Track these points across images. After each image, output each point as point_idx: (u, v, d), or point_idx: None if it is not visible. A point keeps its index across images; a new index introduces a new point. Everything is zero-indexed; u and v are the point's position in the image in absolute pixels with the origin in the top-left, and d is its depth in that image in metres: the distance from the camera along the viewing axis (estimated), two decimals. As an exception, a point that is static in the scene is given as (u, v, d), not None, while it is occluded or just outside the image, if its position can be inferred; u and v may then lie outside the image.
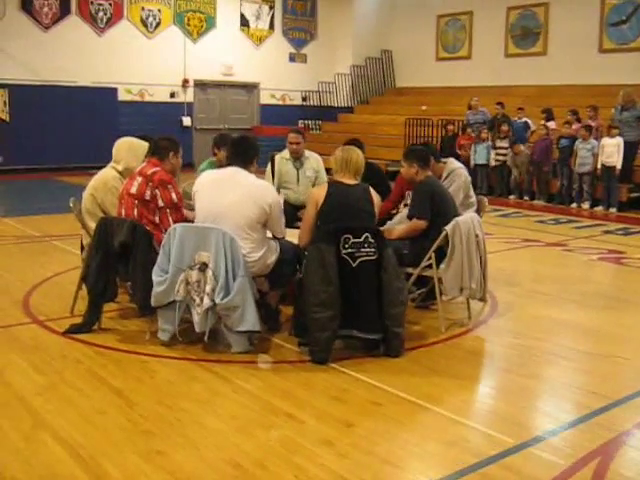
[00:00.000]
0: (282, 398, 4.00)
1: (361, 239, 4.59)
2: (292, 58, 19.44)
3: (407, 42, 19.69)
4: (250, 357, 4.65)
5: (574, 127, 12.09)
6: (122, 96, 16.57)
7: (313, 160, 7.35)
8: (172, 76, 17.13)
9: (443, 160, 6.03)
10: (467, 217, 5.34)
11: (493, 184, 13.55)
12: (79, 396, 3.99)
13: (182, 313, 4.74)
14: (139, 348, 4.78)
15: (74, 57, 15.73)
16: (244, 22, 18.30)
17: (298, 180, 7.19)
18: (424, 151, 5.55)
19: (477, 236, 5.34)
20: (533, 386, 4.34)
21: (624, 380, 4.43)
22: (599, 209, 11.86)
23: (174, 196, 5.02)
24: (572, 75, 15.80)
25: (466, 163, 13.49)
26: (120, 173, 5.58)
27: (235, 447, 3.43)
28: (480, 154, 13.41)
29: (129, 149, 5.61)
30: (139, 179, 5.00)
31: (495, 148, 13.27)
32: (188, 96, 17.68)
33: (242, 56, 18.29)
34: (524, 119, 13.31)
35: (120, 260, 4.94)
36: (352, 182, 4.86)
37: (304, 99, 19.72)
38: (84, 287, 5.59)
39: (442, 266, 5.20)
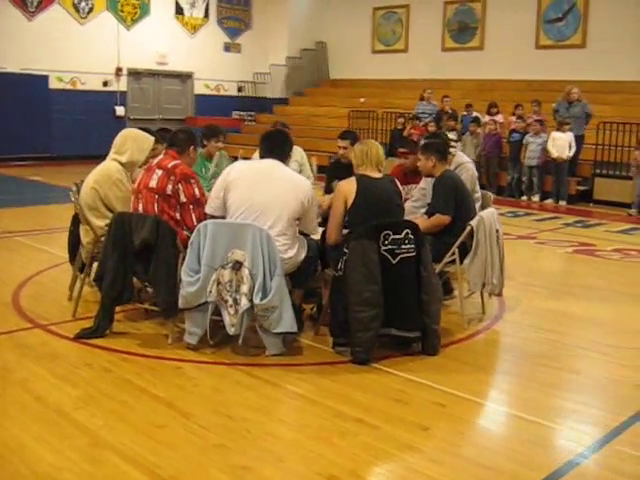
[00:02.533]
0: (342, 402, 3.82)
1: (401, 235, 4.46)
2: (227, 48, 19.00)
3: (342, 34, 19.60)
4: (285, 360, 4.44)
5: (528, 121, 12.30)
6: (53, 84, 15.76)
7: (297, 153, 7.16)
8: (105, 64, 16.40)
9: (452, 153, 5.96)
10: (489, 212, 5.30)
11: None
12: (125, 408, 3.69)
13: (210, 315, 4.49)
14: (166, 353, 4.49)
15: (3, 42, 14.82)
16: (179, 10, 17.73)
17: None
18: (442, 144, 5.46)
19: (497, 231, 5.30)
20: (581, 381, 4.32)
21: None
22: (549, 202, 12.14)
23: (197, 191, 4.75)
24: (509, 70, 16.10)
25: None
26: (123, 165, 5.23)
27: (321, 457, 3.24)
28: (428, 147, 13.44)
29: (136, 141, 5.26)
30: (159, 172, 4.70)
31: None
32: (121, 85, 17.00)
33: (176, 45, 17.73)
34: (474, 114, 13.46)
35: (138, 259, 4.63)
36: (377, 175, 4.73)
37: (239, 89, 19.35)
38: (87, 287, 5.30)
39: (466, 261, 5.13)
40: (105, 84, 16.62)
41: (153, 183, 4.67)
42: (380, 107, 16.20)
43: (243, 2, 19.14)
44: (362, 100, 17.72)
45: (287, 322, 4.40)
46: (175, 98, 18.31)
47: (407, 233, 4.47)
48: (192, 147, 4.95)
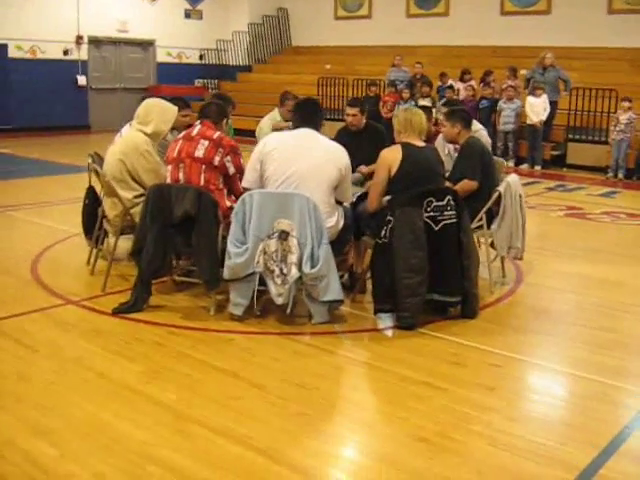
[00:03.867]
0: (403, 367, 3.88)
1: (444, 202, 4.51)
2: (188, 14, 18.60)
3: (304, 1, 19.39)
4: (332, 327, 4.48)
5: (503, 87, 12.43)
6: (12, 53, 15.22)
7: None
8: (65, 32, 15.87)
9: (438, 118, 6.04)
10: (514, 177, 5.39)
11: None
12: (194, 381, 3.68)
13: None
14: (211, 325, 4.48)
15: (-43, 8, 14.25)
16: (139, -25, 17.29)
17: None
18: (467, 112, 5.53)
19: (520, 196, 5.40)
20: (619, 339, 4.44)
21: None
22: (524, 167, 12.35)
23: (242, 161, 4.75)
24: (475, 36, 16.16)
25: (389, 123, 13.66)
26: (148, 136, 5.12)
27: (405, 421, 3.30)
28: (402, 114, 13.47)
29: (160, 112, 5.15)
30: (204, 142, 4.63)
31: (417, 107, 13.37)
32: (82, 54, 16.50)
33: (137, 12, 17.26)
34: (449, 82, 13.52)
35: (178, 231, 4.58)
36: (420, 144, 4.76)
37: (201, 57, 19.01)
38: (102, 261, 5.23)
39: (493, 226, 5.23)
40: (66, 53, 16.12)
41: (199, 153, 4.61)
42: (346, 74, 16.13)
43: (205, -33, 18.76)
44: (328, 67, 17.63)
45: (335, 290, 4.43)
46: (137, 66, 17.89)
47: (449, 200, 4.52)
48: (225, 120, 4.92)
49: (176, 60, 18.53)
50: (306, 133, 4.65)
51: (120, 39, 17.24)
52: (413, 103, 13.47)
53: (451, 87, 13.15)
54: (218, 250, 4.53)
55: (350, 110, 6.22)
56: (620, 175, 11.32)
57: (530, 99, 12.01)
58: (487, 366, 3.97)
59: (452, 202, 4.54)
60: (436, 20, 17.21)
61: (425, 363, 3.97)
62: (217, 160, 4.62)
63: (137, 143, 5.05)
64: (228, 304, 4.59)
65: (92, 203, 5.72)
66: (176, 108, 5.28)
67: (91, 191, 5.77)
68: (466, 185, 5.19)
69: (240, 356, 4.03)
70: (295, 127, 4.78)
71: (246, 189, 4.62)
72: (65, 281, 5.31)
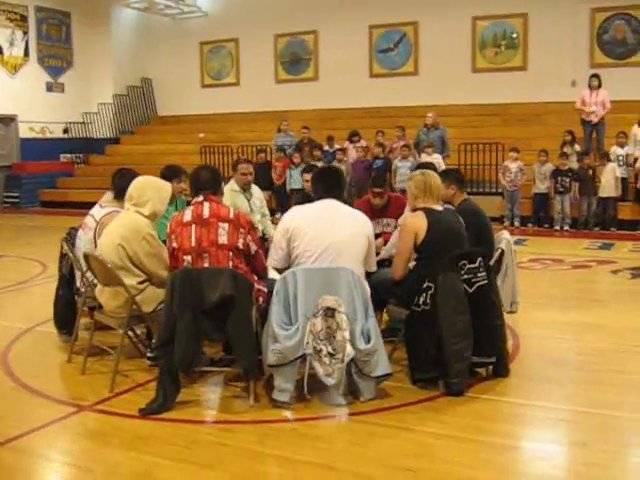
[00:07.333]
0: (484, 434, 3.81)
1: (476, 264, 4.53)
2: (49, 88, 17.80)
3: (168, 70, 19.21)
4: (385, 403, 4.28)
5: (394, 146, 12.85)
6: None
7: (256, 190, 7.10)
8: None
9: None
10: (508, 235, 5.51)
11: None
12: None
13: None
14: (260, 415, 4.14)
15: None
16: (-3, 48, 16.38)
17: (251, 211, 6.82)
18: (461, 173, 5.63)
19: (514, 252, 5.54)
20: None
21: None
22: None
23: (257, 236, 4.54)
24: (345, 99, 16.70)
25: (281, 188, 13.71)
26: (147, 218, 4.76)
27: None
28: (295, 178, 13.58)
29: (156, 190, 4.78)
30: (224, 226, 4.33)
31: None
32: (-60, 133, 15.30)
33: (-4, 86, 16.34)
34: (336, 146, 13.79)
35: (209, 318, 4.25)
36: (440, 208, 4.78)
37: (65, 131, 18.17)
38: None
39: (498, 283, 5.30)
40: None
41: (223, 239, 4.31)
42: (220, 142, 16.03)
43: (64, 40, 18.08)
44: (201, 135, 17.47)
45: (384, 364, 4.30)
46: (-2, 143, 16.82)
47: (480, 261, 4.55)
48: (222, 184, 4.71)
49: (40, 135, 17.60)
50: (332, 204, 4.53)
51: (-21, 115, 16.17)
52: (304, 166, 13.63)
53: (342, 149, 13.43)
54: (255, 334, 4.26)
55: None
56: (516, 223, 11.99)
57: (424, 157, 12.46)
58: (557, 422, 4.00)
59: (483, 263, 4.57)
60: (306, 85, 17.63)
61: (498, 427, 3.93)
62: (241, 243, 4.36)
63: (139, 226, 4.67)
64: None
65: (66, 293, 5.23)
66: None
67: (65, 280, 5.27)
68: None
69: (316, 445, 3.75)
70: (318, 198, 4.64)
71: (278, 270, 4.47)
72: (58, 384, 4.78)
